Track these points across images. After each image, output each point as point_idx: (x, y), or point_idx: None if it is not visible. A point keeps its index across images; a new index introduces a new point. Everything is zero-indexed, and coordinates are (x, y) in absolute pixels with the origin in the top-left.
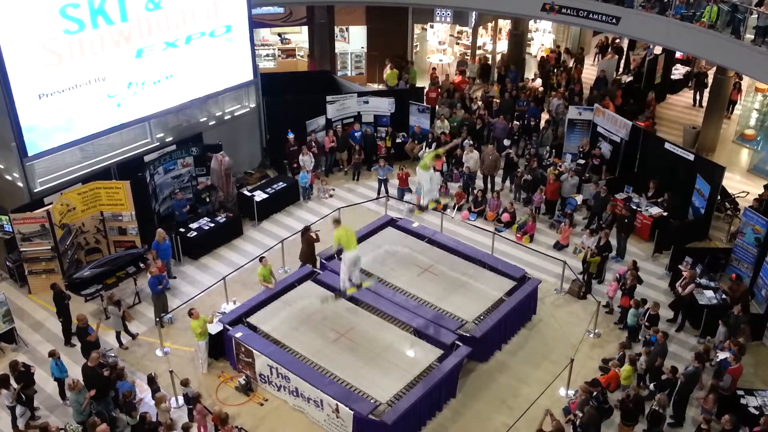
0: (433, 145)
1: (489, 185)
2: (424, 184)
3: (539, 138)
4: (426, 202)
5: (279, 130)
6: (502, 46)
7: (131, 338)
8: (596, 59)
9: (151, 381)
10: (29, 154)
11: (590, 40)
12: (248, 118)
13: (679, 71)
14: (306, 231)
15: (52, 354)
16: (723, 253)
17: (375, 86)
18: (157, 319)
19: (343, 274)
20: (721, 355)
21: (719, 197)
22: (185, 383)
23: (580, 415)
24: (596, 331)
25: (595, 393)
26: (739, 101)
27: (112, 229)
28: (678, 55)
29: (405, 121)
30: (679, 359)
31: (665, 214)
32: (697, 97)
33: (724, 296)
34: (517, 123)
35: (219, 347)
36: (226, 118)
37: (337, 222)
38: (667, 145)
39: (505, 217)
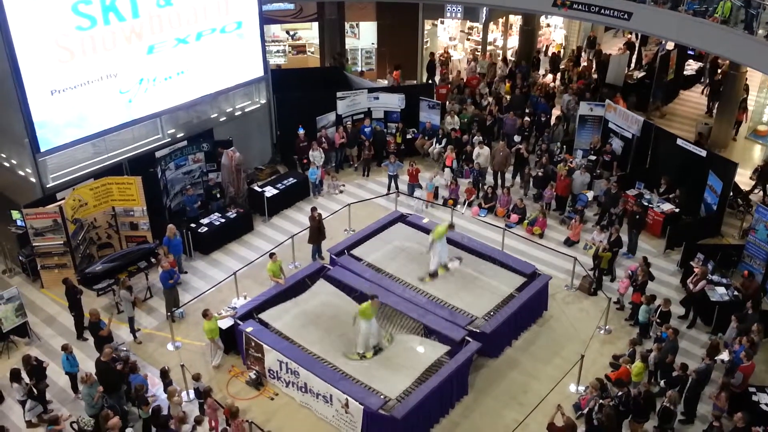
0: (444, 140)
1: (499, 181)
2: (433, 253)
3: (550, 134)
4: (435, 269)
5: (289, 126)
6: (513, 41)
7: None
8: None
9: (164, 375)
10: (41, 150)
11: (601, 35)
12: (259, 114)
13: (691, 67)
14: (312, 211)
15: (65, 348)
16: (735, 249)
17: (384, 82)
18: (169, 314)
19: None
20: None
21: (731, 194)
22: (197, 378)
23: (596, 408)
24: (607, 327)
25: (621, 393)
26: (744, 121)
27: (124, 225)
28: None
29: (415, 117)
30: (691, 356)
31: (677, 210)
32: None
33: (736, 293)
34: (528, 119)
35: (230, 341)
36: (236, 114)
37: (374, 298)
38: (679, 141)
39: (513, 218)
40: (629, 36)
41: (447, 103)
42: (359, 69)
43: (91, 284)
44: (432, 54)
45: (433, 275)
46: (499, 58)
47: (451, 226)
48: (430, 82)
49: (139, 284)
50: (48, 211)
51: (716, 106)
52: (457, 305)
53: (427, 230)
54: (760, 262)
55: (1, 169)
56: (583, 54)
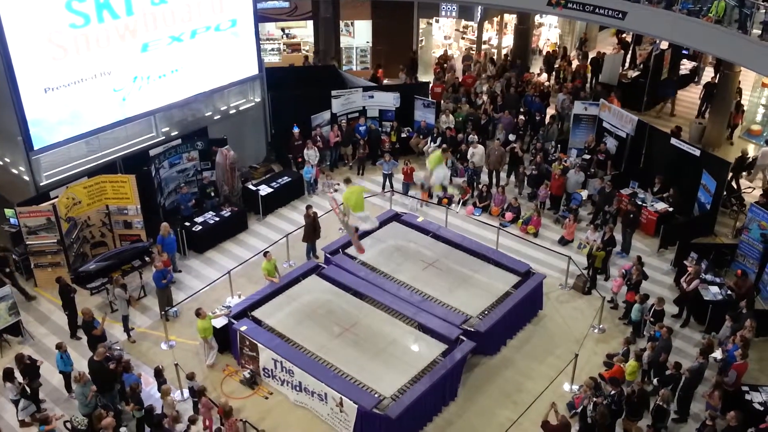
0: (438, 139)
1: (494, 180)
2: (434, 173)
3: (545, 133)
4: (429, 186)
5: (284, 124)
6: (508, 40)
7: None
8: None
9: (158, 374)
10: (35, 148)
11: (596, 35)
12: (253, 113)
13: (685, 66)
14: (308, 209)
15: (59, 347)
16: (728, 248)
17: (385, 81)
18: (162, 313)
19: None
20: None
21: (725, 193)
22: (191, 377)
23: (590, 406)
24: (601, 326)
25: (613, 392)
26: (740, 124)
27: (118, 223)
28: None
29: (410, 116)
30: (684, 355)
31: (671, 209)
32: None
33: (729, 292)
34: (523, 118)
35: (224, 341)
36: (231, 112)
37: (347, 182)
38: (673, 141)
39: (508, 217)
40: (623, 35)
41: (442, 101)
42: (353, 67)
43: (85, 283)
44: (414, 52)
45: (427, 189)
46: (487, 59)
47: (444, 150)
48: (408, 81)
49: (133, 283)
50: (41, 210)
51: (709, 107)
52: (452, 304)
53: (422, 229)
54: (753, 261)
55: None
56: (571, 53)
